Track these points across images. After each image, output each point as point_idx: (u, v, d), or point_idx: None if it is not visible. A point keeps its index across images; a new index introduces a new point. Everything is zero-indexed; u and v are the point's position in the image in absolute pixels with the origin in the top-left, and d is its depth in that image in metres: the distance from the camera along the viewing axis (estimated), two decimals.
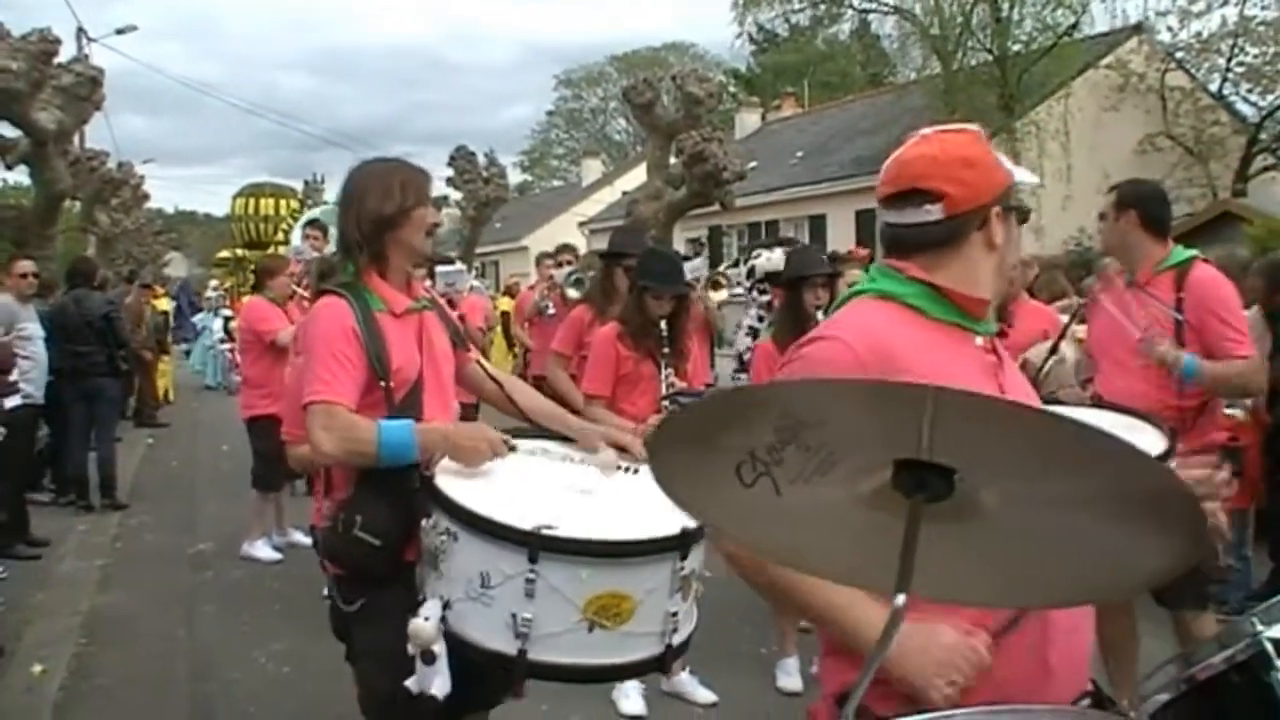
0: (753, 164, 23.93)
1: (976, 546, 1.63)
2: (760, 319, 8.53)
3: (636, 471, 3.48)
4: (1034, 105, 25.03)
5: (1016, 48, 25.52)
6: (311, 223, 12.05)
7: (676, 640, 3.10)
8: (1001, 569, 1.68)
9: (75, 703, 5.95)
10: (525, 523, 2.92)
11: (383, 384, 3.40)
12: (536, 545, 2.89)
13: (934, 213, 2.25)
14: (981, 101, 25.27)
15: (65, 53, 16.80)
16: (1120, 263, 5.07)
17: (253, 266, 12.02)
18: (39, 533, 9.18)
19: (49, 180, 16.07)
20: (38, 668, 6.27)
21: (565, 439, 3.66)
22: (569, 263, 10.80)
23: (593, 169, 52.40)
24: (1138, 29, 26.85)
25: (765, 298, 8.58)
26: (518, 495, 3.19)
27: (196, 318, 24.55)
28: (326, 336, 3.38)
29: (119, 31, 31.59)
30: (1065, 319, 5.99)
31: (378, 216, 3.49)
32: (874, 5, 28.92)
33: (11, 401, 8.28)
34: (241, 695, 6.09)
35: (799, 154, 34.40)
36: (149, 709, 5.95)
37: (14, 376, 8.45)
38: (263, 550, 8.76)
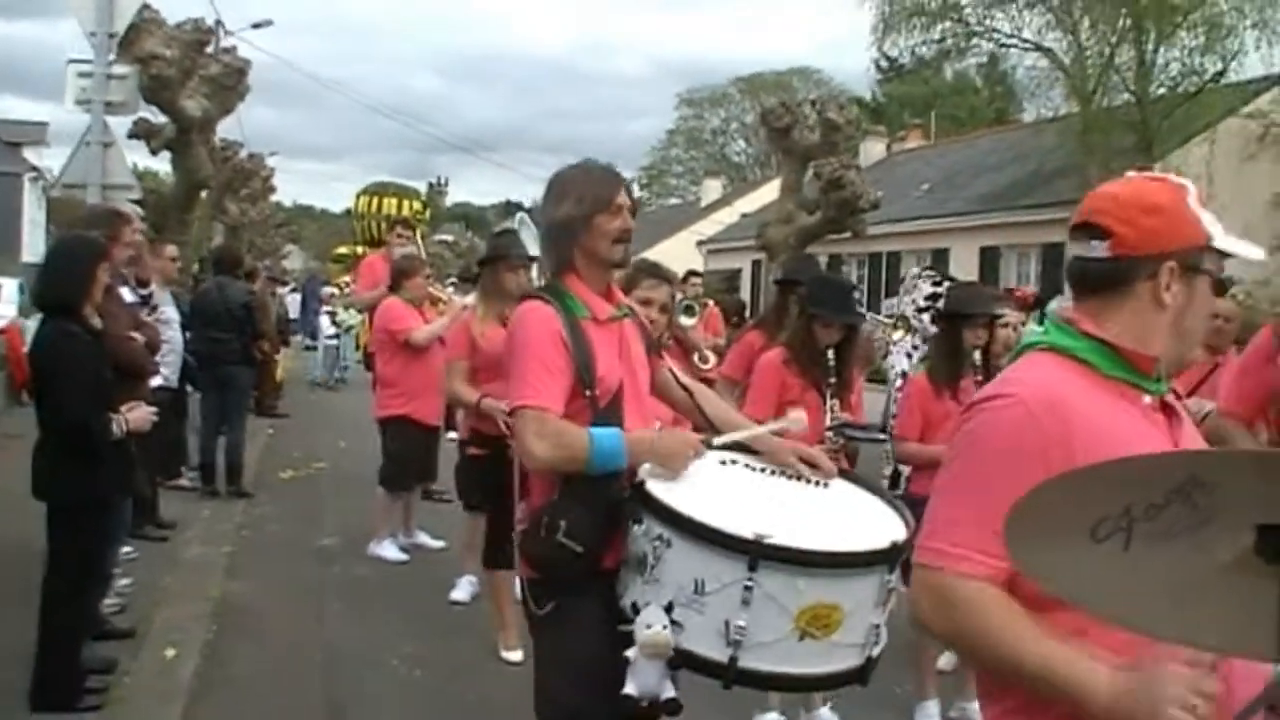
0: (878, 194, 23.69)
1: None
2: (915, 347, 8.30)
3: (827, 486, 3.45)
4: (1173, 149, 24.39)
5: (1161, 90, 24.90)
6: (401, 222, 12.20)
7: (875, 652, 3.12)
8: None
9: (209, 691, 5.91)
10: (745, 530, 2.92)
11: (587, 393, 3.37)
12: (757, 553, 2.89)
13: (1098, 249, 2.17)
14: (1119, 143, 24.69)
15: None
16: None
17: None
18: (164, 516, 9.22)
19: (190, 167, 16.35)
20: (170, 652, 6.25)
21: (751, 451, 3.59)
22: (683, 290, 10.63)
23: (712, 189, 52.48)
24: None
25: (934, 328, 8.34)
26: (728, 503, 3.17)
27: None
28: (535, 342, 3.37)
29: (255, 26, 32.07)
30: None
31: (560, 223, 3.48)
32: (1014, 40, 28.38)
33: (152, 383, 8.33)
34: (374, 695, 6.04)
35: (924, 186, 34.02)
36: (283, 702, 5.91)
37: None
38: (389, 550, 8.71)
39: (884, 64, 49.98)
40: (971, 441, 2.13)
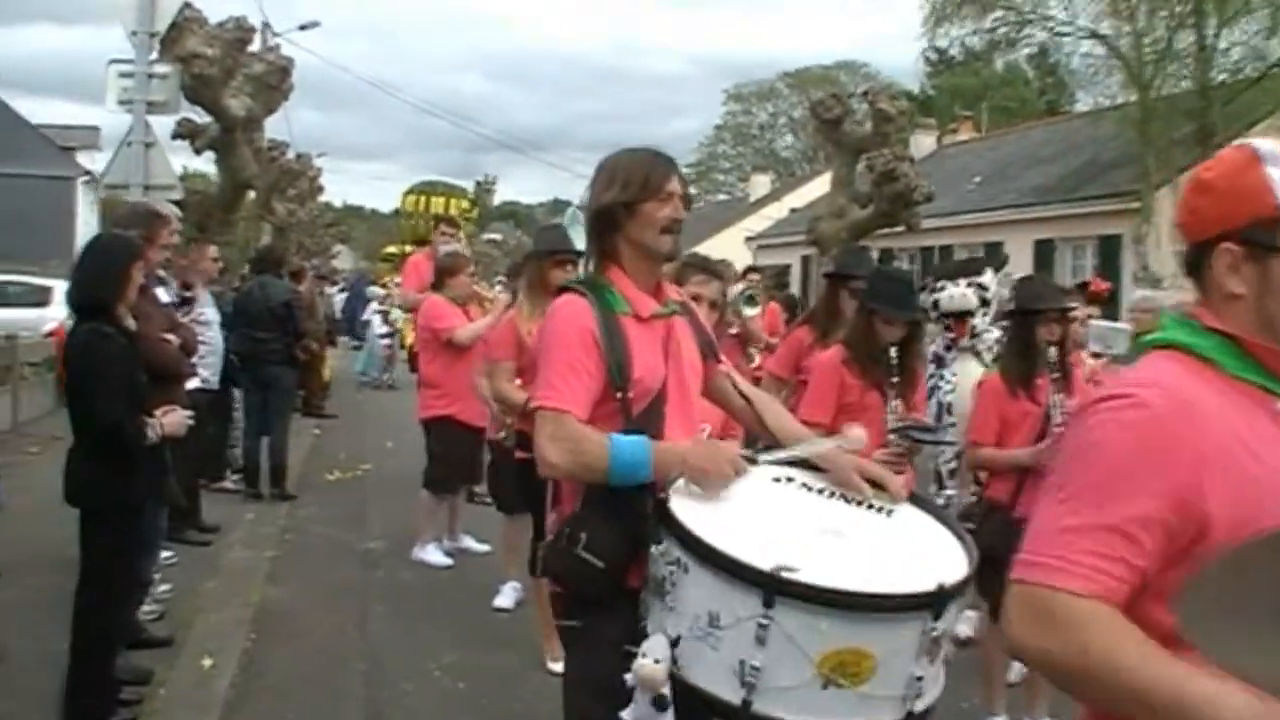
0: (931, 186, 23.33)
1: None
2: (948, 348, 7.97)
3: (890, 513, 3.10)
4: (1234, 137, 23.80)
5: (1222, 76, 24.33)
6: (446, 220, 12.02)
7: (919, 707, 2.76)
8: None
9: (245, 701, 5.76)
10: (764, 561, 2.61)
11: (620, 395, 3.09)
12: (773, 588, 2.59)
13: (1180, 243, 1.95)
14: (1179, 132, 24.16)
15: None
16: None
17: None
18: (207, 519, 9.09)
19: (235, 167, 16.24)
20: (207, 661, 6.09)
21: (813, 466, 3.25)
22: (746, 278, 10.38)
23: (761, 184, 52.22)
24: None
25: (950, 335, 8.04)
26: (758, 528, 2.86)
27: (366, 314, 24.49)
28: (562, 339, 3.11)
29: (302, 27, 32.06)
30: None
31: (603, 210, 3.21)
32: (1069, 28, 27.87)
33: (189, 385, 8.18)
34: (416, 707, 5.84)
35: (976, 179, 33.52)
36: (322, 714, 5.73)
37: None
38: (434, 555, 8.51)
39: (933, 56, 49.48)
40: (1085, 444, 1.85)
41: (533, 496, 6.17)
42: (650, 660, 2.75)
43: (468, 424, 8.22)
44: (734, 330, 7.86)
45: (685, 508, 2.86)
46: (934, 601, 2.68)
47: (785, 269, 39.03)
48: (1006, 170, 33.12)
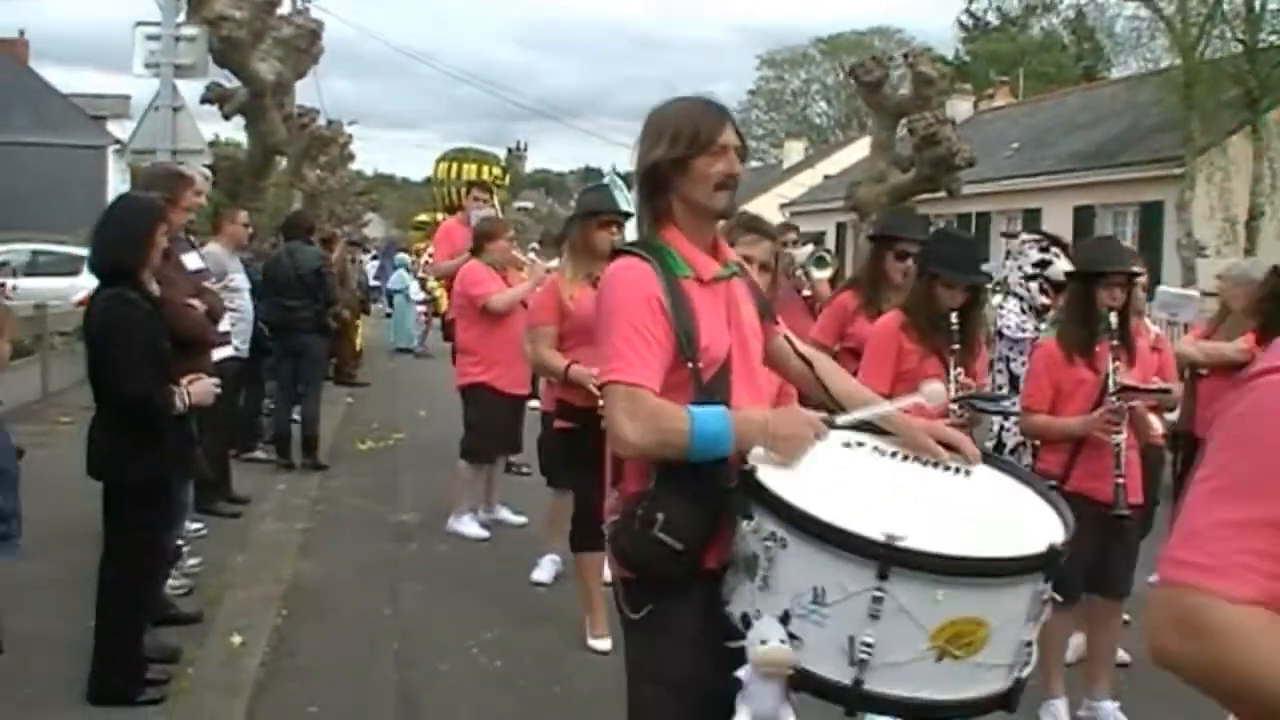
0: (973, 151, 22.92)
1: None
2: (1023, 312, 7.68)
3: (969, 474, 2.93)
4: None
5: (1274, 37, 23.70)
6: (479, 184, 11.80)
7: (1025, 673, 2.66)
8: None
9: (275, 680, 5.56)
10: (872, 530, 2.44)
11: (689, 364, 2.85)
12: (888, 558, 2.43)
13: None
14: (1224, 96, 23.59)
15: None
16: None
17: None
18: (238, 490, 8.90)
19: (264, 132, 16.04)
20: (237, 639, 5.90)
21: (880, 431, 3.06)
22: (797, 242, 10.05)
23: (795, 151, 51.83)
24: None
25: (1044, 299, 7.73)
26: (848, 496, 2.68)
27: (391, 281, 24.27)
28: (627, 305, 2.86)
29: None
30: None
31: (652, 168, 2.97)
32: None
33: (220, 354, 7.98)
34: (451, 688, 5.63)
35: (1014, 145, 33.10)
36: (353, 695, 5.51)
37: (223, 327, 8.16)
38: (469, 527, 8.29)
39: (968, 21, 48.87)
40: (1243, 426, 1.55)
41: (576, 468, 5.94)
42: (775, 641, 2.55)
43: (505, 392, 8.01)
44: (806, 292, 7.59)
45: (777, 479, 2.68)
46: (1046, 563, 2.59)
47: (820, 235, 38.69)
48: (1044, 136, 32.72)
